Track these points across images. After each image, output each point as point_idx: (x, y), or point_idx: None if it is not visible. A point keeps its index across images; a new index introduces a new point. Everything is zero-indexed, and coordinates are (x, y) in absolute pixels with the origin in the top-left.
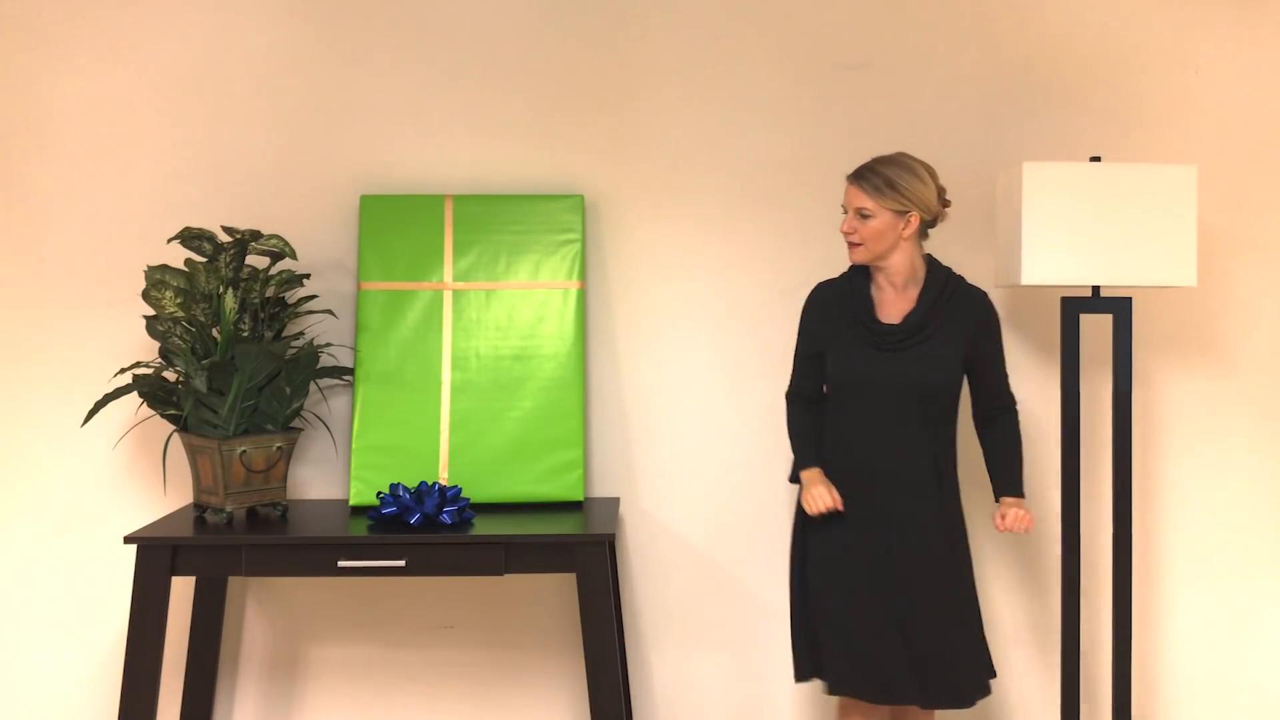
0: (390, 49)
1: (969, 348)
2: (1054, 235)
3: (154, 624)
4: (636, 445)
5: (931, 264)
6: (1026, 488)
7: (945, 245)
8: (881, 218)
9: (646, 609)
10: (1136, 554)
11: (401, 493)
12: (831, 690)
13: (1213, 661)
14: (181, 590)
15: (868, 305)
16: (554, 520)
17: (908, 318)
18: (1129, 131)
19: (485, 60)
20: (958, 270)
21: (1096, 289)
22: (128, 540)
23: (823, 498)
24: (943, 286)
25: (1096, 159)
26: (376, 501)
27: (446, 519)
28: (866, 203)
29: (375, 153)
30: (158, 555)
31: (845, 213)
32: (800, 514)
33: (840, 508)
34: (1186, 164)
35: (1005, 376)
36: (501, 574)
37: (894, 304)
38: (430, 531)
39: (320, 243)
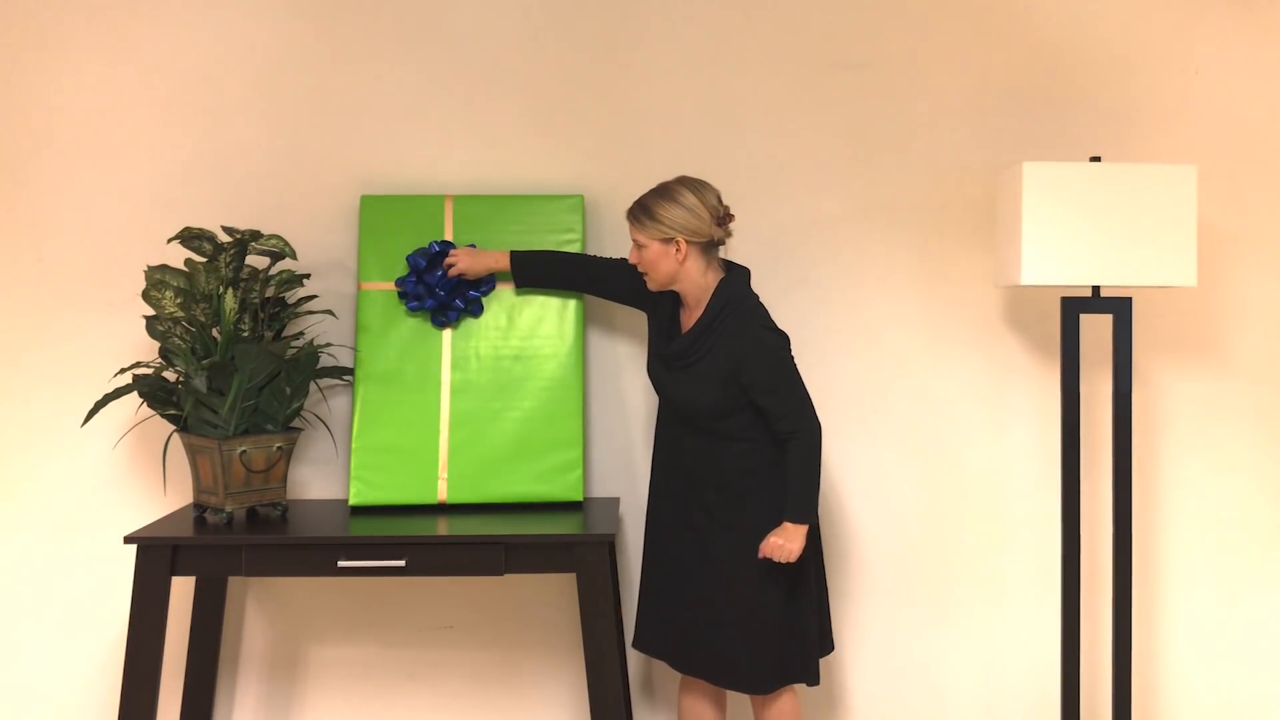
0: (390, 49)
1: (734, 376)
2: (1054, 235)
3: (154, 624)
4: (636, 445)
5: (719, 289)
6: (1030, 487)
7: (946, 245)
8: (651, 247)
9: None
10: (1136, 554)
11: (414, 270)
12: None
13: (1213, 661)
14: (181, 590)
15: (675, 319)
16: (554, 520)
17: (676, 343)
18: (1129, 131)
19: (485, 60)
20: (958, 270)
21: (1096, 289)
22: (128, 540)
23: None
24: (716, 315)
25: (1096, 159)
26: (377, 501)
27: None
28: (635, 235)
29: (375, 153)
30: (158, 555)
31: None
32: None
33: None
34: (1186, 164)
35: (782, 406)
36: (501, 574)
37: (689, 324)
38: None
39: (320, 243)
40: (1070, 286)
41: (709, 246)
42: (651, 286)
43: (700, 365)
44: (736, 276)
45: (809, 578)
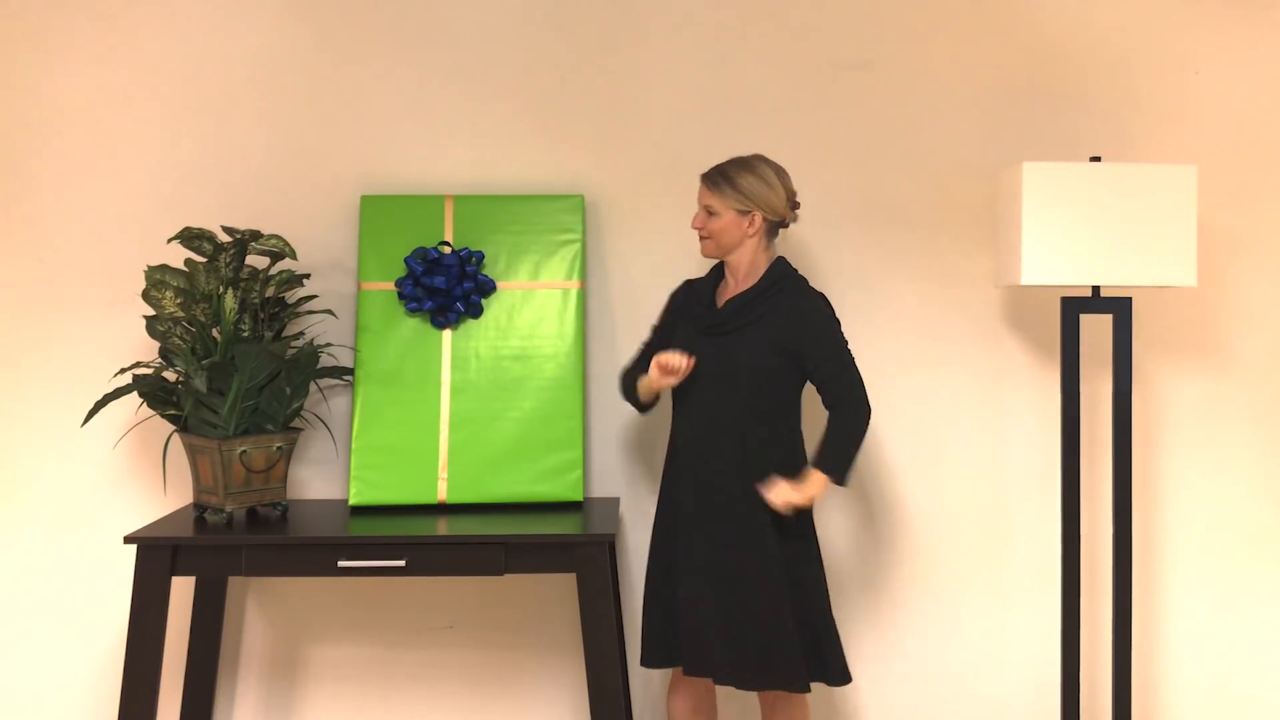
0: (390, 49)
1: (785, 342)
2: (1054, 235)
3: (154, 624)
4: (636, 445)
5: (775, 265)
6: (1030, 487)
7: (946, 245)
8: (726, 215)
9: None
10: (1136, 554)
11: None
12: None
13: (1213, 661)
14: (181, 590)
15: (710, 294)
16: (554, 520)
17: (728, 304)
18: (1129, 131)
19: (485, 60)
20: (958, 270)
21: (1096, 289)
22: (128, 540)
23: (671, 359)
24: (770, 285)
25: (1096, 159)
26: (377, 501)
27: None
28: (712, 200)
29: (375, 153)
30: (158, 555)
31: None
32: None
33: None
34: (1186, 164)
35: (841, 372)
36: (501, 574)
37: (731, 296)
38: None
39: (320, 243)
40: (1070, 286)
41: (774, 228)
42: (707, 252)
43: (749, 330)
44: (787, 262)
45: (822, 574)
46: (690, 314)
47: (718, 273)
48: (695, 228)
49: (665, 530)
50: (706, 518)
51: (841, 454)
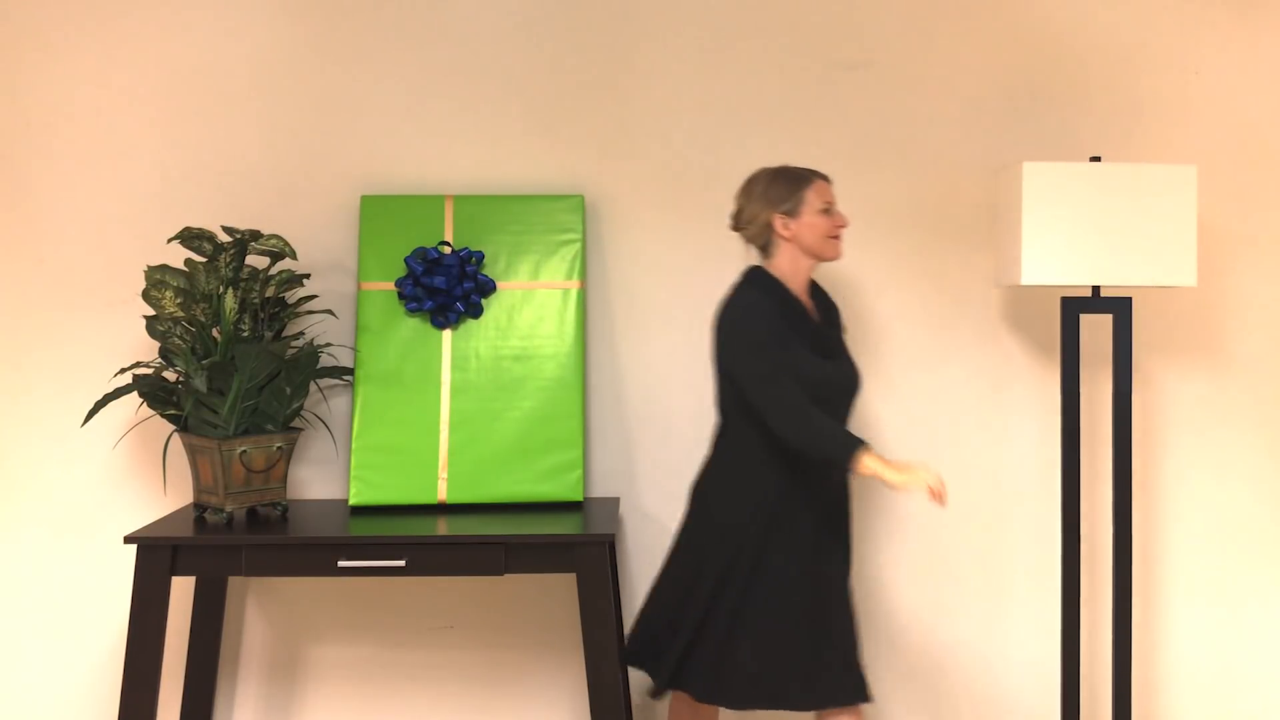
0: (390, 49)
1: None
2: (1054, 235)
3: (154, 624)
4: (636, 445)
5: None
6: (1030, 487)
7: (946, 245)
8: None
9: None
10: (1136, 554)
11: (417, 270)
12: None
13: (1213, 661)
14: (181, 590)
15: (804, 310)
16: (554, 520)
17: (830, 322)
18: (1129, 131)
19: (485, 60)
20: (958, 270)
21: (1096, 289)
22: (128, 540)
23: (937, 480)
24: (822, 290)
25: (1096, 159)
26: (377, 501)
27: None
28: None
29: (375, 153)
30: (158, 555)
31: (828, 211)
32: (765, 515)
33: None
34: (1186, 164)
35: None
36: (501, 574)
37: (810, 308)
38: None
39: (320, 243)
40: (1070, 286)
41: None
42: (841, 251)
43: (841, 340)
44: None
45: None
46: (802, 334)
47: (777, 285)
48: (844, 225)
49: (813, 565)
50: (848, 541)
51: None
